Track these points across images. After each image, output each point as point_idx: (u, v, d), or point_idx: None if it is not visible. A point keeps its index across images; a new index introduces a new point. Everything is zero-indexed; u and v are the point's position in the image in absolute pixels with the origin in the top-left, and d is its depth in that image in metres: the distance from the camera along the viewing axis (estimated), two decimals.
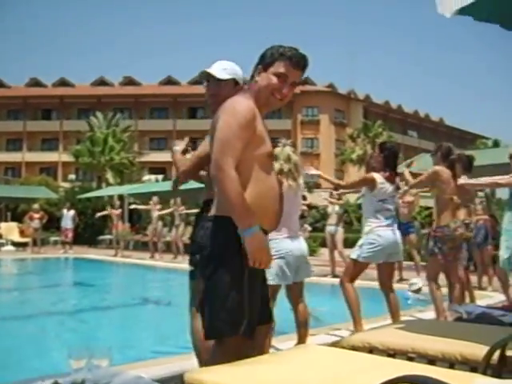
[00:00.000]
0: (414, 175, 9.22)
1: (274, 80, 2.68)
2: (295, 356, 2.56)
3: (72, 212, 21.52)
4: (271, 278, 4.38)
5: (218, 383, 2.11)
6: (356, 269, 5.54)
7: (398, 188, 5.79)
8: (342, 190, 10.17)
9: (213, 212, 2.66)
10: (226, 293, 2.50)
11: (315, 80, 55.07)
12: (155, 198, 18.48)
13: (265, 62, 2.70)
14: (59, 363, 2.39)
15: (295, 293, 4.77)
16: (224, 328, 2.50)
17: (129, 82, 55.08)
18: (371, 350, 3.10)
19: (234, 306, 2.49)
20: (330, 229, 12.29)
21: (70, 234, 20.92)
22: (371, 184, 5.54)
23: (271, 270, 4.39)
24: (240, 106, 2.59)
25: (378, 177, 5.55)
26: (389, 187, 5.58)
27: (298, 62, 2.73)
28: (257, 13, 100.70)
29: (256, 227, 2.48)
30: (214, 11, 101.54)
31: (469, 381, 1.88)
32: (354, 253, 5.55)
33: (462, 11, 3.41)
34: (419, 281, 8.60)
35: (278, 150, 4.57)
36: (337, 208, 12.21)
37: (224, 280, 2.52)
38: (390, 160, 5.65)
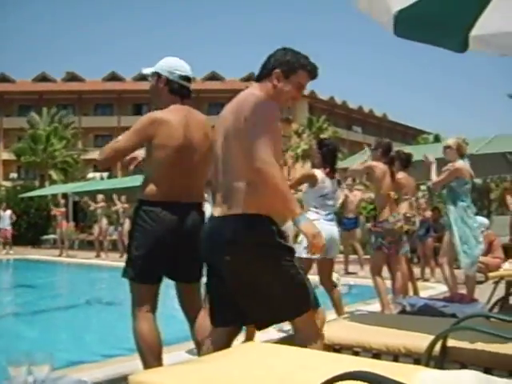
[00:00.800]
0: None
1: (295, 88, 2.99)
2: (240, 354, 2.55)
3: (8, 212, 21.11)
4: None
5: None
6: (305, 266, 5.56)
7: (339, 183, 5.87)
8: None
9: (239, 211, 2.72)
10: (295, 275, 2.82)
11: None
12: (100, 196, 18.17)
13: (286, 69, 2.92)
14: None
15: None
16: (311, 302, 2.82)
17: (72, 77, 53.96)
18: None
19: (307, 284, 2.86)
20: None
21: (9, 234, 20.48)
22: (312, 180, 5.60)
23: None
24: (269, 105, 2.83)
25: (318, 173, 5.60)
26: (329, 183, 5.65)
27: (315, 74, 3.09)
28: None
29: (305, 214, 2.83)
30: (157, 3, 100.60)
31: (412, 374, 1.90)
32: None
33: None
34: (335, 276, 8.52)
35: None
36: None
37: (289, 265, 2.82)
38: (328, 156, 5.69)
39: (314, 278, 7.05)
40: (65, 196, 22.26)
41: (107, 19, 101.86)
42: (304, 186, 5.88)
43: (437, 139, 42.40)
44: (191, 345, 5.05)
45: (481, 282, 6.99)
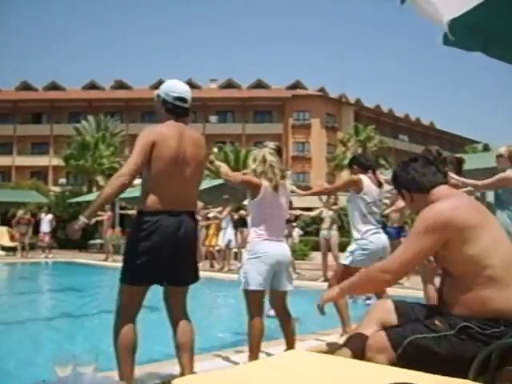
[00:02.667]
0: None
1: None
2: (282, 362, 2.52)
3: (49, 216, 21.49)
4: (252, 283, 4.37)
5: None
6: (346, 274, 5.47)
7: (381, 185, 5.75)
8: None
9: None
10: None
11: (306, 84, 55.32)
12: None
13: (414, 189, 2.90)
14: (46, 370, 2.35)
15: (277, 301, 4.68)
16: None
17: (120, 85, 55.02)
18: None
19: None
20: (323, 233, 12.32)
21: (47, 239, 20.88)
22: (357, 186, 5.50)
23: (249, 274, 4.37)
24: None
25: (364, 178, 5.53)
26: (375, 189, 5.57)
27: None
28: (256, 15, 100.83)
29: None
30: (205, 15, 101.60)
31: None
32: (345, 259, 5.51)
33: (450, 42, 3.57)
34: None
35: (255, 152, 4.63)
36: (330, 212, 12.23)
37: None
38: (364, 165, 5.68)
39: None
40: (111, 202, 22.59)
41: (156, 30, 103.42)
42: (350, 193, 5.78)
43: (486, 149, 41.54)
44: (228, 352, 5.10)
45: None
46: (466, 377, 2.25)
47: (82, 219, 3.57)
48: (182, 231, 3.60)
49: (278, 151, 4.71)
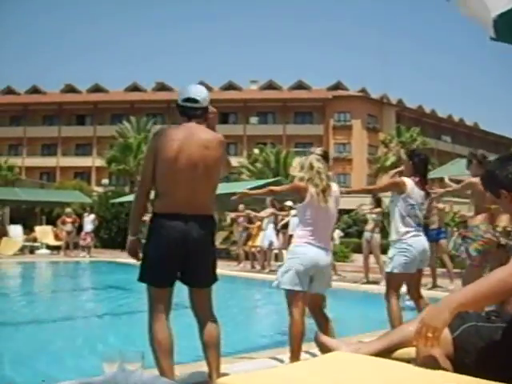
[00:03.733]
0: (449, 180, 9.13)
1: None
2: (325, 363, 2.50)
3: (92, 216, 21.80)
4: (286, 282, 4.39)
5: None
6: (395, 281, 5.43)
7: (428, 195, 5.69)
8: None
9: None
10: None
11: (347, 85, 54.94)
12: None
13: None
14: (92, 366, 2.39)
15: (314, 304, 4.71)
16: None
17: (161, 87, 55.56)
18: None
19: None
20: (366, 235, 12.24)
21: (89, 239, 21.19)
22: (401, 188, 5.44)
23: (285, 273, 4.40)
24: None
25: (407, 181, 5.46)
26: (419, 192, 5.49)
27: None
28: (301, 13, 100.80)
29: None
30: (245, 16, 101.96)
31: None
32: (387, 266, 5.49)
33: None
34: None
35: (301, 160, 4.66)
36: (374, 215, 12.14)
37: None
38: (419, 167, 5.57)
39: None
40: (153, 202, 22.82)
41: (196, 31, 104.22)
42: (392, 195, 5.71)
43: None
44: (269, 353, 5.10)
45: None
46: None
47: (129, 237, 3.80)
48: (191, 235, 3.60)
49: (325, 157, 4.74)
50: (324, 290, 4.70)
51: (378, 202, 12.01)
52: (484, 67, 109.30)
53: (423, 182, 5.54)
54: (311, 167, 4.53)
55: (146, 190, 3.72)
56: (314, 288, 4.55)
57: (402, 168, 5.89)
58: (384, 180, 35.41)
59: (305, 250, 4.42)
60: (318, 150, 4.80)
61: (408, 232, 5.35)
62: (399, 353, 2.74)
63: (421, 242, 5.43)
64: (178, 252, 3.61)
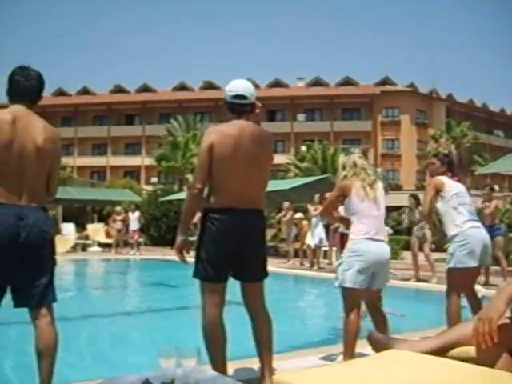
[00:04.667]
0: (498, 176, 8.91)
1: None
2: (382, 361, 2.47)
3: (137, 213, 22.01)
4: (349, 280, 4.34)
5: None
6: (458, 278, 5.24)
7: (477, 188, 5.64)
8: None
9: None
10: None
11: (395, 80, 54.21)
12: None
13: None
14: (149, 362, 2.42)
15: (372, 300, 4.68)
16: None
17: (208, 86, 55.92)
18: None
19: None
20: (416, 232, 12.06)
21: (136, 236, 21.42)
22: (439, 187, 5.44)
23: (348, 271, 4.34)
24: None
25: (441, 178, 5.52)
26: (456, 184, 5.51)
27: None
28: (328, 14, 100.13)
29: None
30: (291, 13, 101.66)
31: None
32: (448, 262, 5.30)
33: None
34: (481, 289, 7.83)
35: (343, 159, 4.66)
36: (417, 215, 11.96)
37: None
38: (451, 168, 5.66)
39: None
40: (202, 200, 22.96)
41: (242, 29, 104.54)
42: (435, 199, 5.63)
43: None
44: (324, 350, 5.07)
45: None
46: None
47: (179, 237, 3.79)
48: (247, 228, 3.66)
49: (364, 155, 4.76)
50: (384, 284, 4.64)
51: (417, 200, 11.83)
52: None
53: (456, 178, 5.64)
54: (355, 165, 4.55)
55: (200, 189, 3.71)
56: (375, 284, 4.50)
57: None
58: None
59: (366, 246, 4.37)
60: (358, 150, 4.81)
61: (465, 221, 5.24)
62: (456, 351, 2.68)
63: (482, 234, 5.29)
64: (232, 246, 3.64)
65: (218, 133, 3.72)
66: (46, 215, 3.48)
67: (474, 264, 5.18)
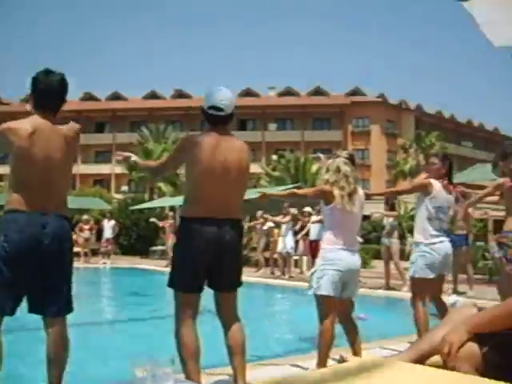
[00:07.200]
0: (470, 186, 9.02)
1: None
2: (354, 369, 2.47)
3: (112, 222, 21.86)
4: (324, 288, 4.36)
5: None
6: (415, 286, 5.43)
7: (457, 200, 5.66)
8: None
9: None
10: None
11: (366, 91, 54.73)
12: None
13: None
14: (122, 371, 2.39)
15: (343, 309, 4.69)
16: None
17: (179, 94, 55.79)
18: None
19: None
20: (384, 241, 12.18)
21: (109, 245, 21.25)
22: (428, 189, 5.41)
23: (322, 279, 4.36)
24: None
25: (435, 183, 5.44)
26: (446, 196, 5.45)
27: None
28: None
29: None
30: (262, 22, 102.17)
31: None
32: (410, 269, 5.48)
33: None
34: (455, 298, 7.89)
35: (328, 163, 4.64)
36: (390, 220, 12.09)
37: None
38: (450, 172, 5.60)
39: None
40: (172, 209, 22.88)
41: (213, 39, 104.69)
42: (418, 196, 5.65)
43: None
44: (297, 359, 5.07)
45: None
46: None
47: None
48: (224, 238, 3.63)
49: (352, 159, 4.71)
50: (355, 294, 4.68)
51: (392, 207, 11.98)
52: (502, 72, 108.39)
53: (450, 188, 5.53)
54: (338, 170, 4.51)
55: (154, 168, 4.31)
56: (346, 293, 4.54)
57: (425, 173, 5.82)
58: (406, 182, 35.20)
59: (339, 255, 4.41)
60: (344, 153, 4.77)
61: (433, 236, 5.32)
62: (429, 362, 2.71)
63: (444, 246, 5.39)
64: (209, 256, 3.62)
65: (193, 141, 3.71)
66: (67, 224, 3.59)
67: (431, 275, 5.32)
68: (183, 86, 56.73)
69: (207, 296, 3.85)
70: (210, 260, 3.64)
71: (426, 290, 5.43)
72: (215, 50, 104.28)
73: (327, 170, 4.57)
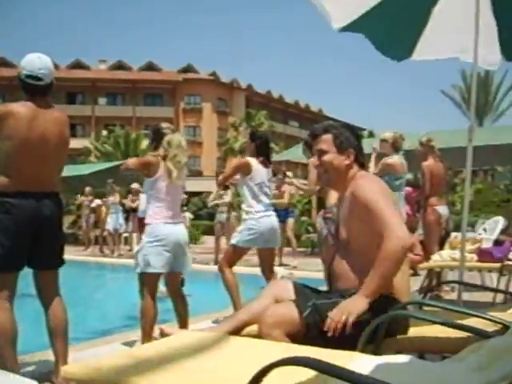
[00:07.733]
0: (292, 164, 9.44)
1: None
2: (174, 343, 2.53)
3: None
4: (153, 265, 4.35)
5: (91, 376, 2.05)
6: (235, 254, 5.62)
7: (274, 174, 5.88)
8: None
9: None
10: None
11: (198, 68, 54.99)
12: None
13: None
14: None
15: (173, 283, 4.73)
16: None
17: (2, 63, 52.14)
18: None
19: None
20: (220, 217, 12.41)
21: None
22: (246, 168, 5.58)
23: (150, 256, 4.35)
24: None
25: (252, 160, 5.61)
26: (264, 170, 5.66)
27: None
28: None
29: None
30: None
31: (348, 360, 1.93)
32: (233, 238, 5.63)
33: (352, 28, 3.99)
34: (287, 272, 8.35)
35: (169, 136, 4.57)
36: (227, 197, 12.34)
37: None
38: (262, 148, 5.73)
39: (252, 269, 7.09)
40: None
41: (45, 7, 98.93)
42: (239, 178, 5.80)
43: (371, 135, 43.20)
44: (127, 336, 5.05)
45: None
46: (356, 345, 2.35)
47: None
48: (42, 213, 3.48)
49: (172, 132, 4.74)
50: (184, 268, 4.69)
51: (225, 187, 12.24)
52: (328, 56, 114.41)
53: (267, 162, 5.73)
54: (180, 145, 4.52)
55: None
56: (175, 267, 4.54)
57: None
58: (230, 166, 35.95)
59: (164, 229, 4.38)
60: (165, 125, 4.88)
61: (259, 211, 5.51)
62: (247, 331, 2.84)
63: (270, 220, 5.61)
64: (29, 231, 3.45)
65: (8, 112, 3.45)
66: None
67: (257, 246, 5.62)
68: (7, 55, 52.99)
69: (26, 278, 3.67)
70: (28, 236, 3.45)
71: (237, 259, 5.66)
72: (43, 19, 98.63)
73: (168, 144, 4.48)
